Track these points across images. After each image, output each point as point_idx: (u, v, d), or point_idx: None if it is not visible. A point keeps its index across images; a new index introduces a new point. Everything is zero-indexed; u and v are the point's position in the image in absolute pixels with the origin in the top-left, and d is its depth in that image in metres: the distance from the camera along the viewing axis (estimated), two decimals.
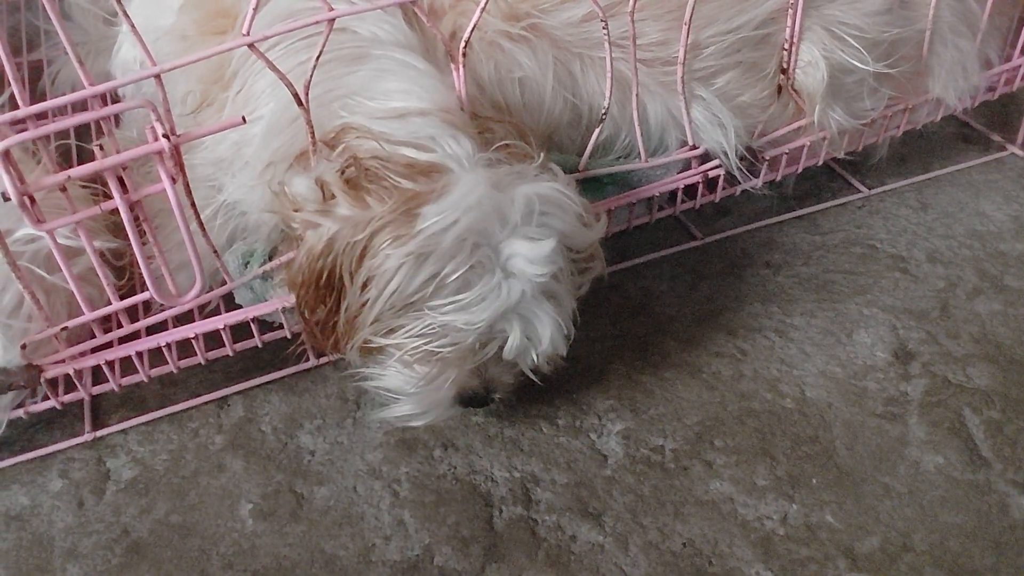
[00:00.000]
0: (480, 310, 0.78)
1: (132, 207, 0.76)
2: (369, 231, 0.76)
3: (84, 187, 0.91)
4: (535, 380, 0.89)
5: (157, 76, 0.72)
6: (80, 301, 0.83)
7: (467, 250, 0.76)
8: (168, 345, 0.92)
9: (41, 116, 0.72)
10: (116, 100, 1.08)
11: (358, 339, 0.81)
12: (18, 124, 0.71)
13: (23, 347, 0.86)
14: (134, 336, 0.91)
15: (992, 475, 0.91)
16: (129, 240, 0.78)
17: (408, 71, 0.85)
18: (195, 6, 0.97)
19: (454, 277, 0.76)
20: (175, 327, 0.92)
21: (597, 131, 0.99)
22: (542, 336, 0.82)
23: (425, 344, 0.80)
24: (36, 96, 1.27)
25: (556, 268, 0.80)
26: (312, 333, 0.85)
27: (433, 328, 0.79)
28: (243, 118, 0.76)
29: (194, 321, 0.93)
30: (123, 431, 0.96)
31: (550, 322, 0.81)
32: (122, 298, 0.86)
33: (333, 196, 0.78)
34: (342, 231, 0.77)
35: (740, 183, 1.12)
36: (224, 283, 0.90)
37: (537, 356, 0.84)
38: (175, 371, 0.94)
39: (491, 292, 0.78)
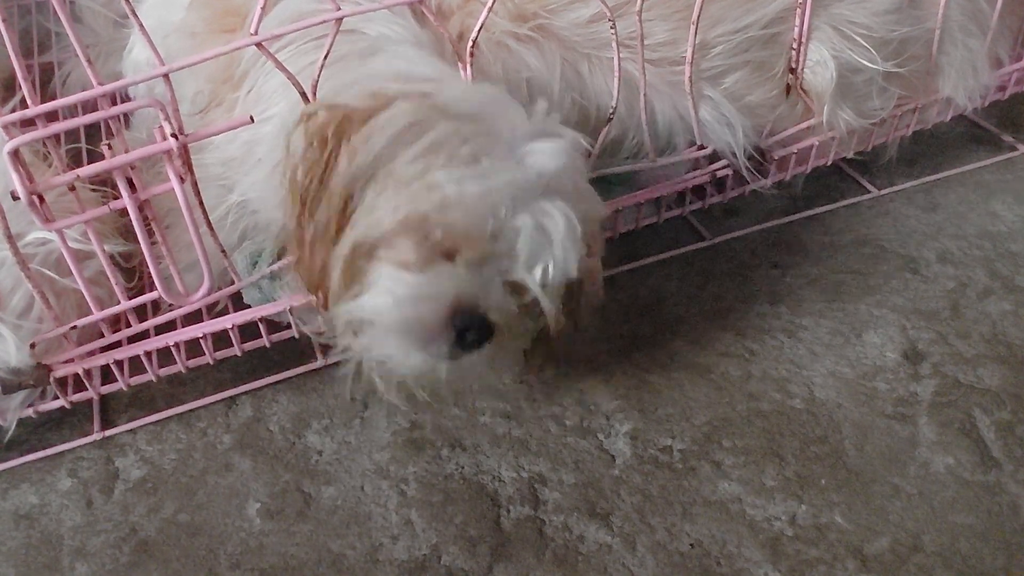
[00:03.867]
0: (493, 180, 0.72)
1: (141, 207, 0.76)
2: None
3: (94, 191, 0.92)
4: (543, 305, 0.77)
5: (165, 76, 0.72)
6: (89, 301, 0.84)
7: (482, 126, 0.73)
8: (177, 345, 0.92)
9: (51, 116, 0.72)
10: (126, 100, 1.09)
11: (354, 235, 0.74)
12: (28, 124, 0.72)
13: (33, 347, 0.86)
14: (143, 336, 0.91)
15: (1003, 476, 0.90)
16: (138, 242, 0.78)
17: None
18: (204, 4, 0.97)
19: (465, 147, 0.72)
20: (184, 327, 0.93)
21: (605, 131, 0.99)
22: (553, 234, 0.74)
23: (432, 213, 0.72)
24: (47, 99, 1.27)
25: (571, 163, 0.76)
26: (307, 264, 0.79)
27: (442, 198, 0.72)
28: (251, 118, 0.76)
29: (202, 321, 0.93)
30: (132, 430, 0.97)
31: (563, 220, 0.74)
32: (131, 299, 0.86)
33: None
34: (344, 113, 0.74)
35: (748, 183, 1.12)
36: (232, 283, 0.90)
37: (550, 269, 0.75)
38: (183, 371, 0.95)
39: (504, 167, 0.73)
